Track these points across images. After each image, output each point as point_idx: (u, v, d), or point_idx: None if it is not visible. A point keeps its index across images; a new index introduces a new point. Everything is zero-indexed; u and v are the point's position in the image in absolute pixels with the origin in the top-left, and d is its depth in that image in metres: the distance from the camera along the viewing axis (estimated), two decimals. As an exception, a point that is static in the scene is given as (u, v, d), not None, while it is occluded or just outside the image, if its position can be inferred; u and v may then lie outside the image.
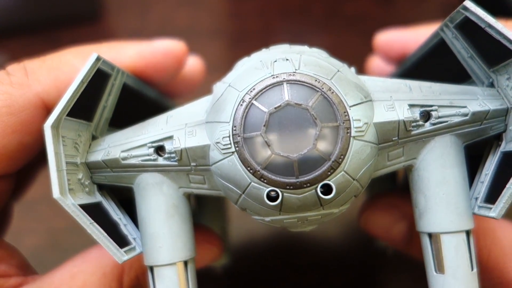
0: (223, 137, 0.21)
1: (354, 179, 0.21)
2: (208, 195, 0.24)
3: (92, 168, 0.24)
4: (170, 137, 0.23)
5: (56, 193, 0.21)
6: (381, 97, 0.22)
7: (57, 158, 0.21)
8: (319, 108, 0.20)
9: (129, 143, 0.23)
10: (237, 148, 0.21)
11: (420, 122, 0.22)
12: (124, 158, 0.23)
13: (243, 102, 0.21)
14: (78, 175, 0.23)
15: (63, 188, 0.22)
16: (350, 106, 0.20)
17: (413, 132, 0.22)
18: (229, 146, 0.21)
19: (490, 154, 0.23)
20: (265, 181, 0.20)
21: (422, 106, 0.22)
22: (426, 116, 0.22)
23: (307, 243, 0.44)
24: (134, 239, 0.24)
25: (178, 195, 0.23)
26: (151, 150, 0.23)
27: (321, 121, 0.20)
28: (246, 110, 0.21)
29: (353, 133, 0.20)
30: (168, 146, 0.23)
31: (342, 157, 0.20)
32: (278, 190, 0.20)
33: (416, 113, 0.22)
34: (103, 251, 0.25)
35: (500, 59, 0.22)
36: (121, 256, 0.22)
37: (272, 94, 0.20)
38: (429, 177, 0.23)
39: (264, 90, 0.21)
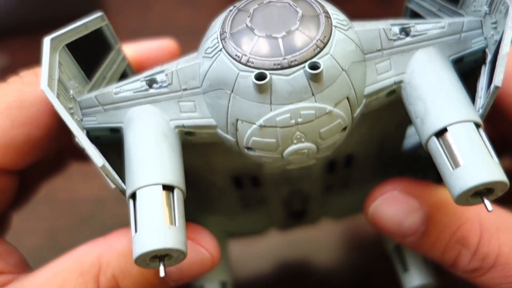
0: (212, 41, 0.22)
1: (343, 69, 0.21)
2: (198, 130, 0.23)
3: (83, 108, 0.24)
4: (163, 71, 0.23)
5: (43, 83, 0.21)
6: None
7: (51, 61, 0.22)
8: (301, 4, 0.22)
9: (122, 83, 0.24)
10: (224, 43, 0.22)
11: (401, 36, 0.23)
12: (117, 92, 0.23)
13: (230, 11, 0.22)
14: (69, 104, 0.23)
15: (52, 85, 0.22)
16: (330, 9, 0.22)
17: (395, 43, 0.23)
18: (217, 45, 0.22)
19: (481, 74, 0.23)
20: (252, 64, 0.21)
21: (400, 24, 0.23)
22: (405, 31, 0.23)
23: (314, 274, 0.43)
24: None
25: (169, 128, 0.23)
26: (144, 82, 0.23)
27: (303, 11, 0.21)
28: (233, 15, 0.22)
29: (334, 23, 0.22)
30: (160, 77, 0.23)
31: (326, 39, 0.21)
32: (266, 72, 0.21)
33: (396, 29, 0.23)
34: (85, 248, 0.25)
35: None
36: (102, 161, 0.21)
37: (257, 1, 0.22)
38: (422, 82, 0.23)
39: (249, 1, 0.22)
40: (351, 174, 0.32)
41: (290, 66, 0.21)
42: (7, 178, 0.28)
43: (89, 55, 0.26)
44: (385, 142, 0.30)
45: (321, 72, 0.20)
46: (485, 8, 0.23)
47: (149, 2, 0.65)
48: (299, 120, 0.21)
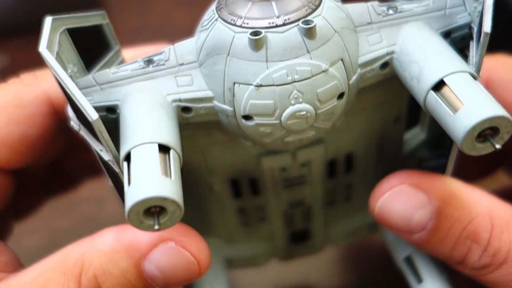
0: (208, 14, 0.23)
1: (335, 31, 0.22)
2: (195, 104, 0.23)
3: (81, 88, 0.24)
4: (161, 53, 0.24)
5: (42, 46, 0.21)
6: None
7: (51, 36, 0.22)
8: None
9: (121, 65, 0.24)
10: (219, 13, 0.22)
11: (389, 12, 0.24)
12: (114, 72, 0.23)
13: None
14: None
15: (51, 49, 0.22)
16: None
17: (384, 18, 0.24)
18: (213, 15, 0.22)
19: (470, 48, 0.24)
20: (247, 25, 0.21)
21: (387, 4, 0.24)
22: (392, 9, 0.24)
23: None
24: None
25: (166, 101, 0.23)
26: (141, 62, 0.24)
27: None
28: None
29: None
30: (157, 57, 0.24)
31: (317, 3, 0.22)
32: (261, 29, 0.21)
33: (384, 7, 0.24)
34: (71, 247, 0.25)
35: None
36: (95, 114, 0.20)
37: None
38: (414, 47, 0.23)
39: None
40: (352, 184, 0.31)
41: (284, 24, 0.21)
42: (3, 177, 0.28)
43: (89, 50, 0.25)
44: (384, 143, 0.30)
45: (315, 27, 0.21)
46: None
47: (149, 2, 0.65)
48: (296, 76, 0.21)
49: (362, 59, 0.23)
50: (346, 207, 0.32)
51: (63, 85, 0.21)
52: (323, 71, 0.22)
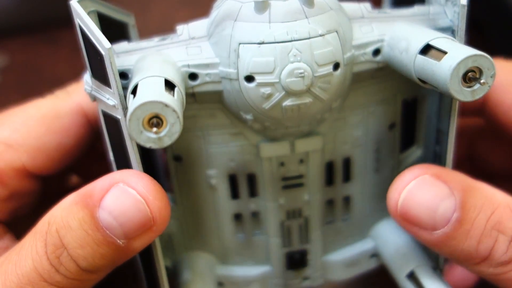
0: None
1: (331, 8, 0.24)
2: (202, 70, 0.25)
3: None
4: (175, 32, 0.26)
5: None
6: None
7: (82, 6, 0.23)
8: None
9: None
10: None
11: (379, 13, 0.27)
12: (131, 44, 0.25)
13: None
14: None
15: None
16: None
17: (374, 15, 0.27)
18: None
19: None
20: None
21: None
22: (382, 12, 0.27)
23: None
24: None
25: (176, 65, 0.25)
26: (156, 39, 0.26)
27: None
28: None
29: None
30: (171, 35, 0.26)
31: None
32: None
33: (375, 10, 0.27)
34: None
35: None
36: (108, 43, 0.22)
37: None
38: (402, 29, 0.26)
39: None
40: (351, 198, 0.30)
41: None
42: (33, 182, 0.30)
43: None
44: (381, 152, 0.30)
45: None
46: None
47: (149, 2, 0.65)
48: (295, 36, 0.23)
49: (356, 41, 0.26)
50: (345, 230, 0.32)
51: (82, 23, 0.23)
52: (320, 35, 0.24)
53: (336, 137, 0.28)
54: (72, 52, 0.59)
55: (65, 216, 0.24)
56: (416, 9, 0.27)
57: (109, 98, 0.23)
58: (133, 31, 0.29)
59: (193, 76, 0.25)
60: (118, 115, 0.23)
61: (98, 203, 0.23)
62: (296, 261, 0.31)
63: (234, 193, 0.29)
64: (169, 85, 0.22)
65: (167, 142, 0.21)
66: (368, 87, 0.27)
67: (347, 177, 0.30)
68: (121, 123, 0.23)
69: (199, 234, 0.30)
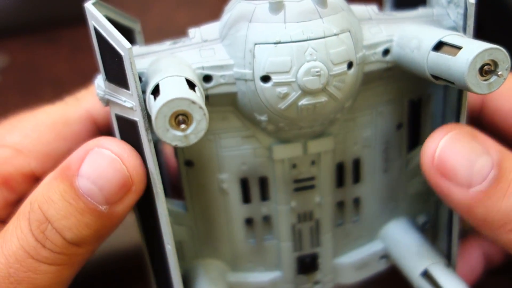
0: (231, 2, 0.26)
1: (342, 9, 0.25)
2: (217, 72, 0.25)
3: None
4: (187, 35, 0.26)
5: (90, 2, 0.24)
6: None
7: (95, 5, 0.24)
8: None
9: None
10: None
11: (386, 15, 0.28)
12: (143, 48, 0.26)
13: None
14: None
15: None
16: None
17: (382, 17, 0.27)
18: (236, 1, 0.25)
19: None
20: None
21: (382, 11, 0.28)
22: (387, 14, 0.28)
23: None
24: None
25: (191, 68, 0.24)
26: (169, 42, 0.26)
27: None
28: None
29: None
30: (183, 39, 0.26)
31: None
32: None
33: (381, 12, 0.28)
34: None
35: None
36: (128, 43, 0.22)
37: None
38: (411, 29, 0.26)
39: None
40: (361, 199, 0.30)
41: None
42: None
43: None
44: (389, 152, 0.30)
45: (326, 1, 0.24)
46: (444, 1, 0.27)
47: (149, 2, 0.65)
48: (310, 35, 0.24)
49: (367, 41, 0.26)
50: (355, 231, 0.32)
51: (99, 25, 0.23)
52: (335, 34, 0.24)
53: (346, 137, 0.28)
54: (72, 52, 0.59)
55: (46, 192, 0.24)
56: (420, 11, 0.27)
57: (126, 101, 0.23)
58: (139, 37, 0.29)
59: (207, 78, 0.25)
60: (136, 117, 0.23)
61: (76, 172, 0.23)
62: (307, 265, 0.31)
63: (246, 198, 0.29)
64: (190, 85, 0.22)
65: (193, 140, 0.21)
66: (377, 88, 0.28)
67: (356, 178, 0.30)
68: (139, 125, 0.23)
69: (210, 240, 0.30)
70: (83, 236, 0.24)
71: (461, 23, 0.25)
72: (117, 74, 0.23)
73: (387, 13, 0.28)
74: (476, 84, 0.22)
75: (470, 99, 0.27)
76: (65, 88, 0.33)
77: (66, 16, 0.62)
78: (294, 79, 0.24)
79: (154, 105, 0.21)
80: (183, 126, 0.21)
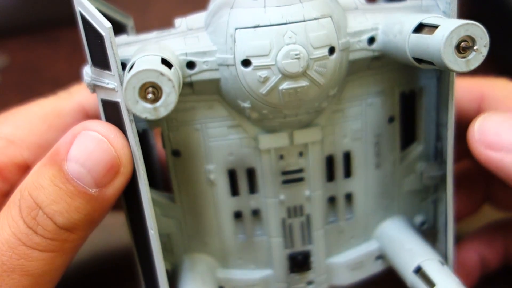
0: None
1: None
2: (200, 58, 0.25)
3: None
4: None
5: None
6: None
7: None
8: None
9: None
10: None
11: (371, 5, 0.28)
12: (131, 37, 0.26)
13: None
14: None
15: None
16: None
17: (368, 6, 0.27)
18: None
19: None
20: None
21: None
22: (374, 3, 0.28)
23: None
24: None
25: (174, 55, 0.25)
26: (155, 32, 0.26)
27: None
28: None
29: None
30: (170, 29, 0.27)
31: None
32: None
33: (368, 3, 0.28)
34: None
35: None
36: (109, 23, 0.22)
37: None
38: (395, 16, 0.26)
39: None
40: (353, 195, 0.30)
41: None
42: None
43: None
44: (381, 145, 0.30)
45: None
46: None
47: (149, 2, 0.65)
48: (290, 18, 0.24)
49: (351, 29, 0.26)
50: (348, 230, 0.31)
51: (83, 10, 0.23)
52: (315, 19, 0.24)
53: (335, 129, 0.28)
54: (72, 52, 0.59)
55: (35, 179, 0.24)
56: (409, 2, 0.27)
57: (109, 83, 0.24)
58: (131, 32, 0.30)
59: (190, 65, 0.25)
60: (118, 98, 0.23)
61: (65, 157, 0.24)
62: (299, 263, 0.30)
63: (234, 190, 0.29)
64: (167, 64, 0.22)
65: (162, 112, 0.21)
66: (365, 78, 0.28)
67: (348, 172, 0.30)
68: (121, 105, 0.23)
69: (199, 234, 0.30)
70: (74, 220, 0.24)
71: (450, 12, 0.25)
72: (100, 57, 0.23)
73: (375, 4, 0.28)
74: (454, 61, 0.22)
75: (467, 104, 0.27)
76: (65, 87, 0.33)
77: (66, 16, 0.62)
78: (273, 62, 0.24)
79: (125, 77, 0.21)
80: (150, 96, 0.21)
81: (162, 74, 0.21)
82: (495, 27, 0.61)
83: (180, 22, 0.27)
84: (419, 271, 0.28)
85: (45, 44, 0.60)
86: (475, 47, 0.22)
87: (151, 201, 0.24)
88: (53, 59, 0.60)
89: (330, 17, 0.25)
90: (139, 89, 0.21)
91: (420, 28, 0.24)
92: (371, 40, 0.26)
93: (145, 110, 0.21)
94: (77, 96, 0.31)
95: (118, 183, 0.24)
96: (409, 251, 0.29)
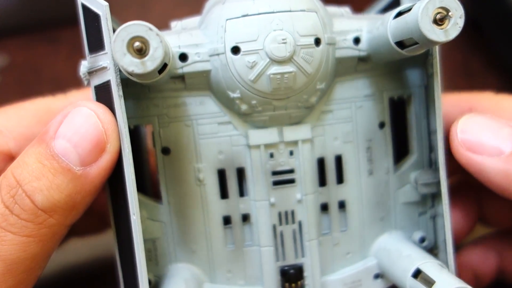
0: None
1: None
2: (192, 50, 0.27)
3: None
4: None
5: None
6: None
7: None
8: None
9: None
10: None
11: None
12: None
13: None
14: None
15: None
16: None
17: (352, 16, 0.29)
18: None
19: None
20: None
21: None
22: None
23: None
24: None
25: (171, 50, 0.26)
26: None
27: None
28: None
29: None
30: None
31: None
32: None
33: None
34: None
35: None
36: (103, 3, 0.24)
37: None
38: (378, 17, 0.28)
39: None
40: (346, 203, 0.30)
41: None
42: None
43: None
44: (373, 151, 0.30)
45: None
46: None
47: (149, 2, 0.65)
48: (277, 8, 0.26)
49: (336, 28, 0.28)
50: (344, 243, 0.30)
51: None
52: (301, 10, 0.26)
53: (325, 130, 0.29)
54: (72, 52, 0.59)
55: (21, 158, 0.24)
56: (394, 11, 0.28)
57: (103, 64, 0.24)
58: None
59: (183, 57, 0.27)
60: (109, 76, 0.24)
61: (54, 135, 0.24)
62: (291, 278, 0.29)
63: (223, 193, 0.28)
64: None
65: (149, 66, 0.22)
66: (354, 81, 0.29)
67: (340, 178, 0.29)
68: (111, 81, 0.24)
69: (186, 239, 0.29)
70: (54, 200, 0.23)
71: None
72: (97, 39, 0.24)
73: (360, 14, 0.30)
74: (432, 31, 0.23)
75: (456, 117, 0.28)
76: (65, 88, 0.33)
77: (66, 16, 0.62)
78: (261, 47, 0.25)
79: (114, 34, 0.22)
80: (136, 44, 0.22)
81: (150, 29, 0.22)
82: (495, 27, 0.61)
83: (176, 24, 0.28)
84: (418, 274, 0.27)
85: (45, 44, 0.60)
86: (449, 13, 0.23)
87: (135, 182, 0.24)
88: (53, 59, 0.60)
89: (316, 12, 0.27)
90: (128, 43, 0.22)
91: (399, 15, 0.25)
92: (357, 40, 0.28)
93: (132, 63, 0.22)
94: (71, 98, 0.32)
95: (103, 162, 0.24)
96: (408, 257, 0.28)
